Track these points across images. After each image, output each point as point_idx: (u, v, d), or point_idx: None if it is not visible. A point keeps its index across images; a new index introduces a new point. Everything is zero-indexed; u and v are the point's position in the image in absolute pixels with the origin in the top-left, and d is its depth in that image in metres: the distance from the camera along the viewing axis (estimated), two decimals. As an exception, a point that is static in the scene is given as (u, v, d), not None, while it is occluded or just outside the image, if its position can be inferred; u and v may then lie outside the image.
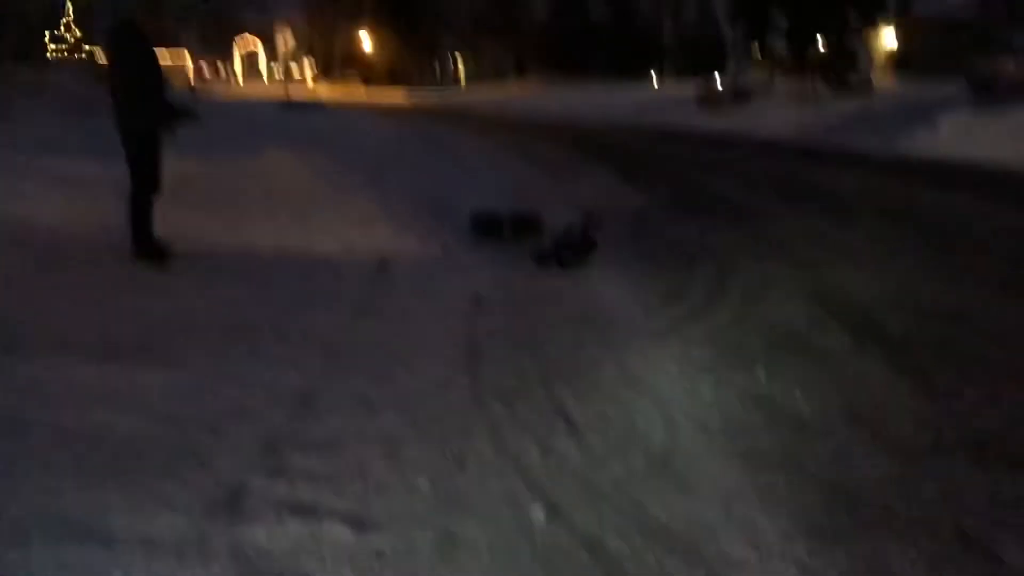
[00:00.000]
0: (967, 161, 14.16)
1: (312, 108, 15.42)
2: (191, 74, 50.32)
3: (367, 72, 58.44)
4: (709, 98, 27.79)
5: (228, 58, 64.31)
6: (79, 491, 3.20)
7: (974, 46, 22.23)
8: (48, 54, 28.03)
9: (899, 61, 29.52)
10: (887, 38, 30.24)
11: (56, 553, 2.82)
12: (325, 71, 61.67)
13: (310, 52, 61.68)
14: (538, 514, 3.11)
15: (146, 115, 6.34)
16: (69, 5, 30.42)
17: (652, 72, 41.00)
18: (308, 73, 62.94)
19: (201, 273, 6.41)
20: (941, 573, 2.78)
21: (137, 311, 5.48)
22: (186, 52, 52.22)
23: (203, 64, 59.70)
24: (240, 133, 9.64)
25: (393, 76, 56.92)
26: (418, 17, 56.20)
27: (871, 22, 27.10)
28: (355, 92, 49.10)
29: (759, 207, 10.03)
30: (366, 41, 59.18)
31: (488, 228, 8.23)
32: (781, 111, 23.24)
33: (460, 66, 58.55)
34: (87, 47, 30.80)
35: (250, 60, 64.85)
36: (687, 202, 10.49)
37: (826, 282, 6.46)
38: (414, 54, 57.73)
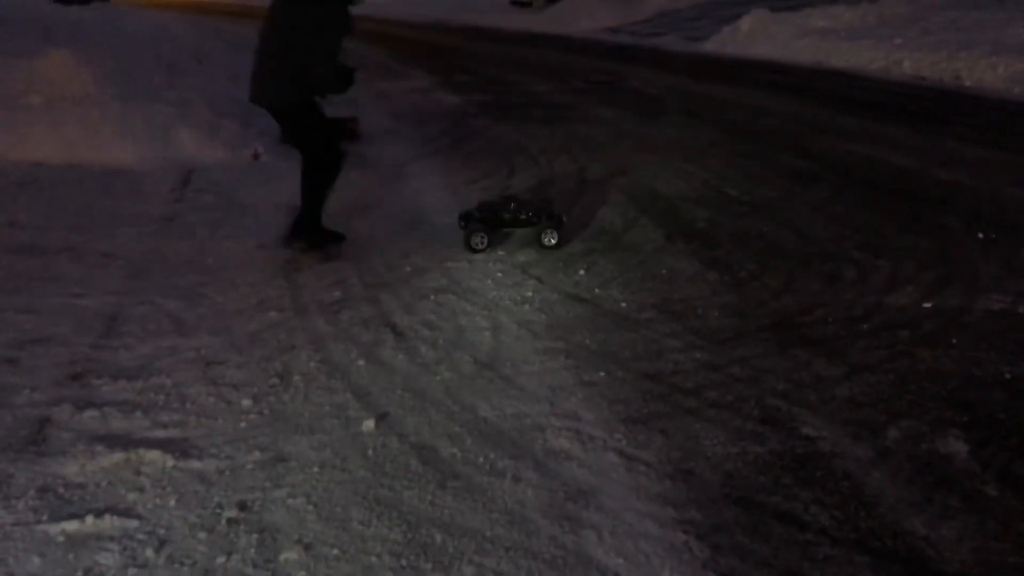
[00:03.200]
0: (764, 59, 14.89)
1: (95, 3, 13.97)
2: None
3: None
4: (521, -3, 27.59)
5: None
6: None
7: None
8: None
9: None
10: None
11: None
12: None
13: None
14: (368, 425, 3.10)
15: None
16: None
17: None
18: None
19: (-21, 191, 5.80)
20: (747, 449, 3.00)
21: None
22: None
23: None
24: (8, 32, 8.67)
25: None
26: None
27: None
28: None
29: (573, 106, 10.16)
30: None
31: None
32: (592, 11, 23.44)
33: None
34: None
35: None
36: (504, 102, 10.47)
37: (637, 180, 6.67)
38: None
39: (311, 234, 4.97)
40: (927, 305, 4.25)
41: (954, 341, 3.84)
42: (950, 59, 12.39)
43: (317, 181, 4.88)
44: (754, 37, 16.49)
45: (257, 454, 2.93)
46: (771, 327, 4.01)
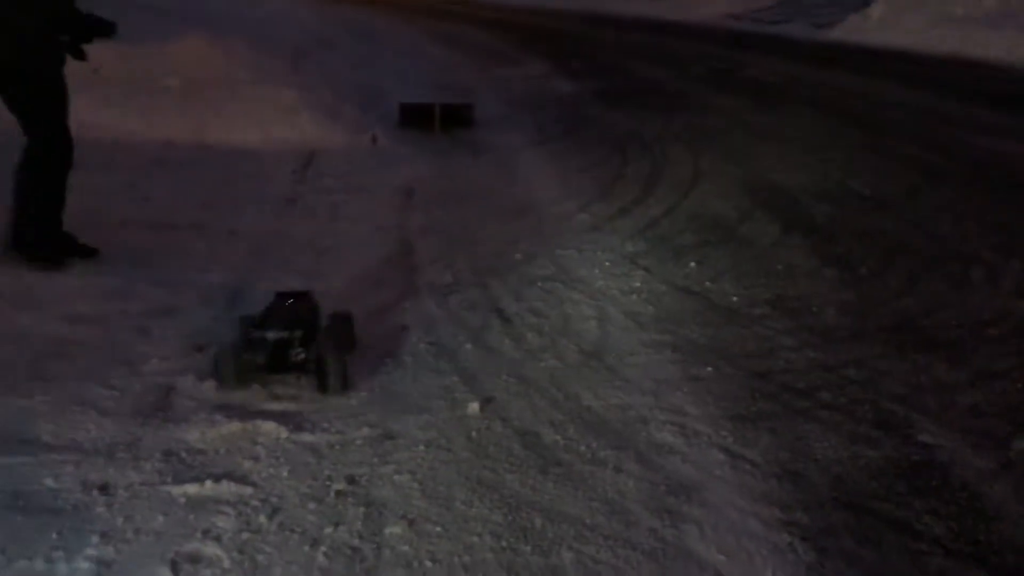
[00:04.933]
0: (895, 47, 14.26)
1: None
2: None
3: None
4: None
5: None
6: (4, 397, 3.11)
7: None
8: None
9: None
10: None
11: (-19, 461, 2.76)
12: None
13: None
14: (473, 408, 3.14)
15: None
16: None
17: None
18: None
19: (119, 170, 6.15)
20: (859, 453, 2.90)
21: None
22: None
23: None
24: (149, 16, 9.13)
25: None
26: None
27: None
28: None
29: (690, 94, 9.99)
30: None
31: (418, 118, 8.04)
32: (713, -4, 22.95)
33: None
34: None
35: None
36: (619, 90, 10.39)
37: (755, 172, 6.52)
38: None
39: (34, 246, 4.21)
40: (1062, 311, 4.01)
41: (1092, 351, 3.61)
42: (1101, 49, 11.60)
43: (42, 177, 4.19)
44: (885, 24, 15.82)
45: (366, 430, 3.02)
46: (891, 328, 3.86)
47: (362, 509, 2.59)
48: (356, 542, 2.45)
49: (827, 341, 3.73)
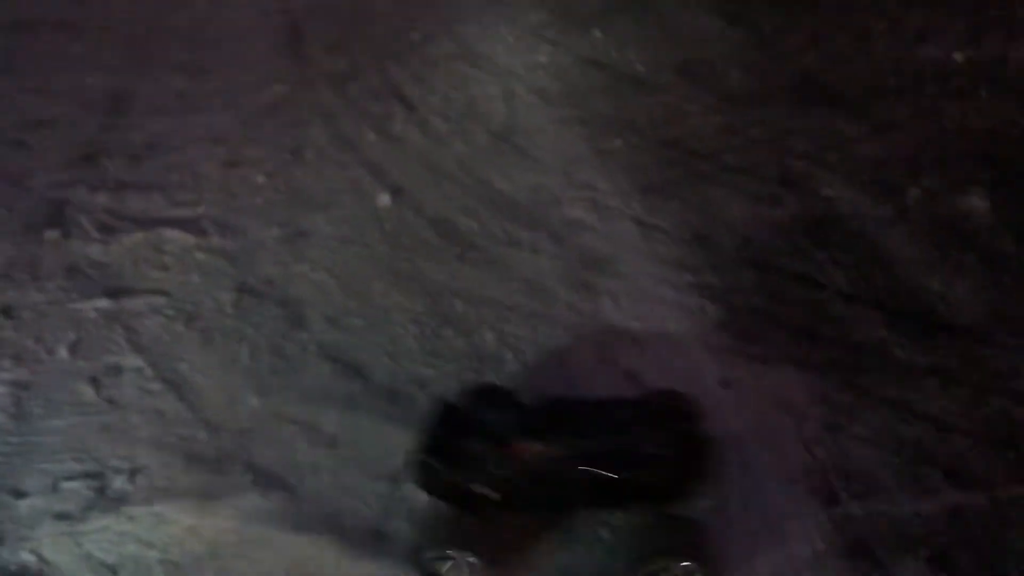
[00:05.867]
0: None
1: None
2: None
3: None
4: None
5: None
6: None
7: None
8: None
9: None
10: None
11: None
12: None
13: None
14: (384, 200, 3.09)
15: None
16: None
17: None
18: None
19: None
20: (765, 212, 2.98)
21: None
22: None
23: None
24: None
25: None
26: None
27: None
28: None
29: None
30: None
31: None
32: None
33: None
34: None
35: None
36: None
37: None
38: None
39: None
40: (958, 57, 4.06)
41: (984, 95, 3.70)
42: None
43: None
44: None
45: (276, 230, 2.95)
46: (794, 87, 3.87)
47: (280, 310, 2.58)
48: (279, 341, 2.46)
49: (732, 104, 3.73)
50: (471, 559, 1.80)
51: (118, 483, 2.13)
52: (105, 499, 2.10)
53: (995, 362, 2.36)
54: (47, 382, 2.32)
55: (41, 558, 1.98)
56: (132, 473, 2.15)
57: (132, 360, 2.39)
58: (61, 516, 2.07)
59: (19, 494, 2.11)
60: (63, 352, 2.42)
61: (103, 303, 2.60)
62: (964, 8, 4.53)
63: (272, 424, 2.26)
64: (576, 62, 4.19)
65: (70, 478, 2.15)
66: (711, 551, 1.79)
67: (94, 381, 2.32)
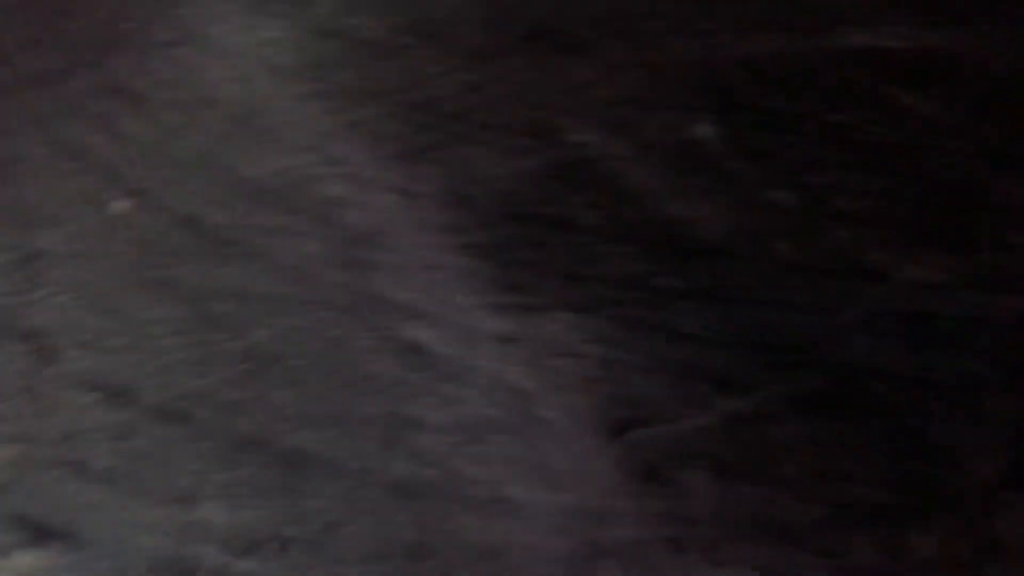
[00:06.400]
0: None
1: None
2: None
3: None
4: None
5: None
6: None
7: None
8: None
9: None
10: None
11: None
12: None
13: None
14: (122, 205, 2.87)
15: None
16: None
17: None
18: None
19: None
20: (520, 165, 3.06)
21: None
22: None
23: None
24: None
25: None
26: None
27: None
28: None
29: None
30: None
31: None
32: None
33: None
34: None
35: None
36: None
37: None
38: None
39: None
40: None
41: (701, 27, 3.97)
42: None
43: None
44: None
45: (3, 256, 2.67)
46: (528, 37, 3.97)
47: (24, 345, 2.35)
48: (28, 380, 2.24)
49: (472, 61, 3.77)
50: None
51: None
52: None
53: (739, 276, 2.57)
54: None
55: None
56: None
57: None
58: None
59: None
60: None
61: None
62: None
63: (36, 471, 2.06)
64: (307, 33, 4.07)
65: None
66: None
67: None
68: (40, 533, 1.93)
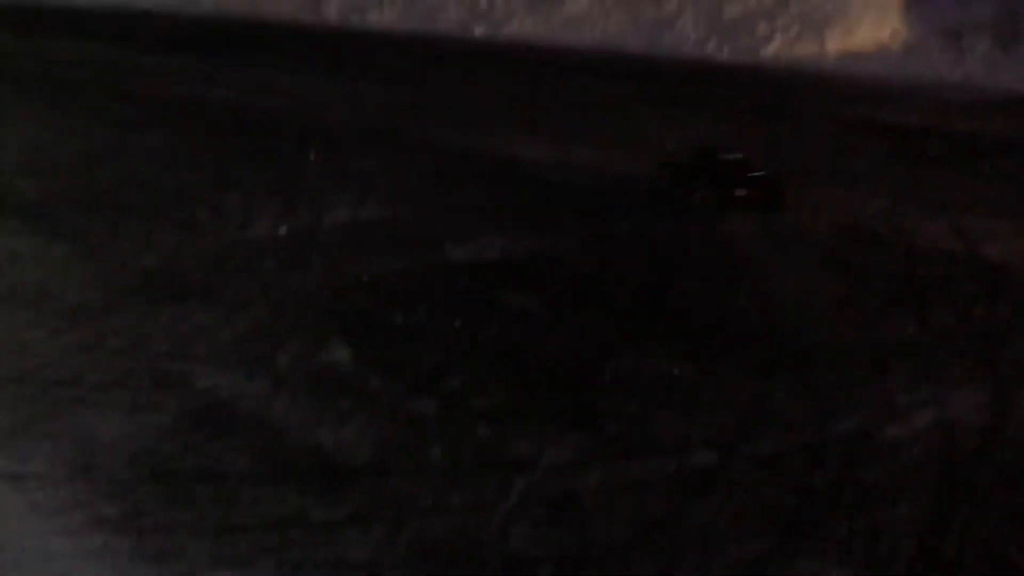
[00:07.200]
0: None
1: None
2: None
3: None
4: None
5: None
6: None
7: None
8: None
9: None
10: None
11: None
12: None
13: None
14: None
15: None
16: None
17: None
18: None
19: None
20: (148, 421, 2.84)
21: None
22: None
23: None
24: None
25: None
26: None
27: None
28: None
29: None
30: None
31: None
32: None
33: None
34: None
35: None
36: None
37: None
38: None
39: None
40: (283, 231, 4.45)
41: (315, 259, 4.11)
42: None
43: None
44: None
45: None
46: (138, 288, 3.83)
47: None
48: None
49: (78, 320, 3.52)
50: None
51: None
52: None
53: (396, 492, 2.56)
54: None
55: None
56: None
57: None
58: None
59: None
60: None
61: None
62: (278, 186, 5.02)
63: None
64: None
65: None
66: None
67: None
68: None
